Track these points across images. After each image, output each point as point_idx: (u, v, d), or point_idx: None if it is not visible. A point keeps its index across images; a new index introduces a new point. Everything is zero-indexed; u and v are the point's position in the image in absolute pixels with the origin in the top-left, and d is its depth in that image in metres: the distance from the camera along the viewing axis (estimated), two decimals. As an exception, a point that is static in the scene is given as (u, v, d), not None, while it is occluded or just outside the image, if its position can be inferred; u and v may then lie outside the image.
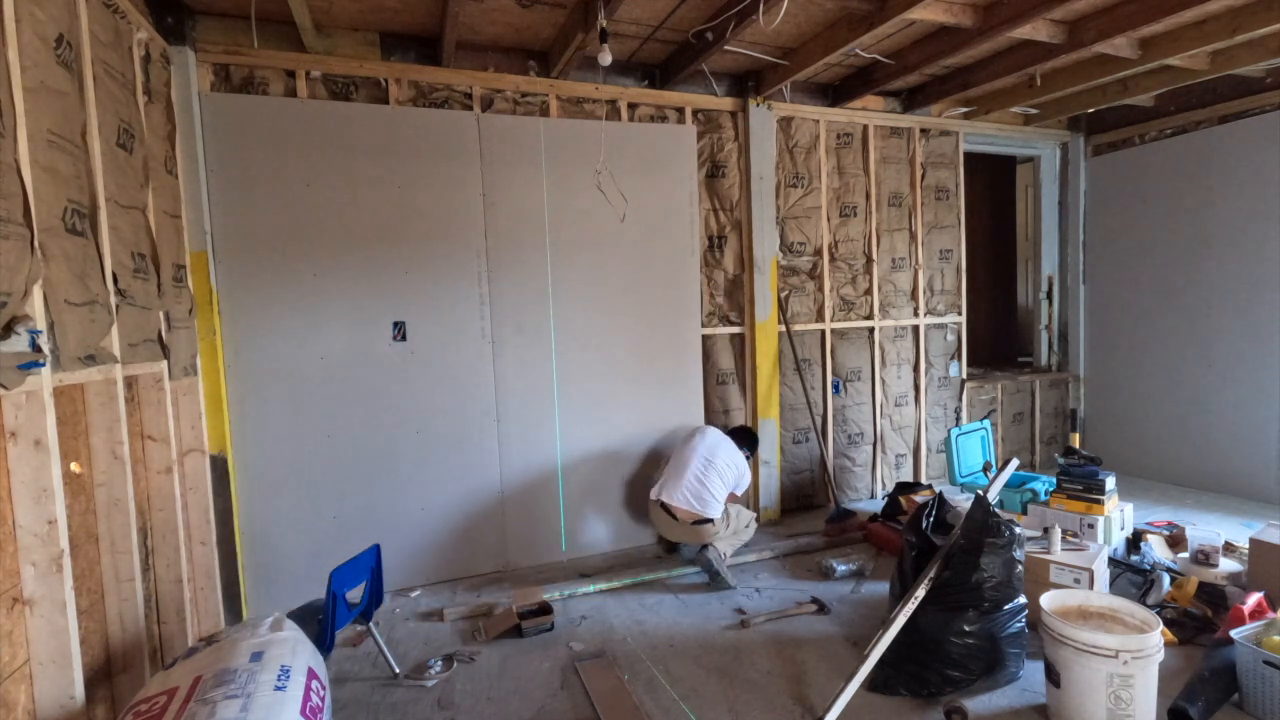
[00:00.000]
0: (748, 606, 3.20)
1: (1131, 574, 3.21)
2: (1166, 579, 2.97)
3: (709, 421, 4.26)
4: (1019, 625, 2.45)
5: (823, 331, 4.60)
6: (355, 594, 2.55)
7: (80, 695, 1.84)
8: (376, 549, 2.66)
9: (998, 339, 6.24)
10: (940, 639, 2.38)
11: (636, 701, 2.42)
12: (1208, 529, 3.53)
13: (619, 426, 3.97)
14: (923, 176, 4.85)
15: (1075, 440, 4.68)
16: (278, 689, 1.75)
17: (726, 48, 3.54)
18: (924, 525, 2.70)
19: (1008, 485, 3.97)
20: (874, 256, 4.70)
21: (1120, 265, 5.18)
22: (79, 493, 2.11)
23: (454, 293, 3.57)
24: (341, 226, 3.36)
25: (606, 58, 2.94)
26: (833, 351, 4.64)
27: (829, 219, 4.57)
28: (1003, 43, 3.72)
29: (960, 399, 5.10)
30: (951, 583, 2.44)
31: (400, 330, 3.48)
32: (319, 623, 2.33)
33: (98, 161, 2.15)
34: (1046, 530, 2.94)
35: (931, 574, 2.47)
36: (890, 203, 4.76)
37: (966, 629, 2.38)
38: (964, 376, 5.11)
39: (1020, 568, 2.49)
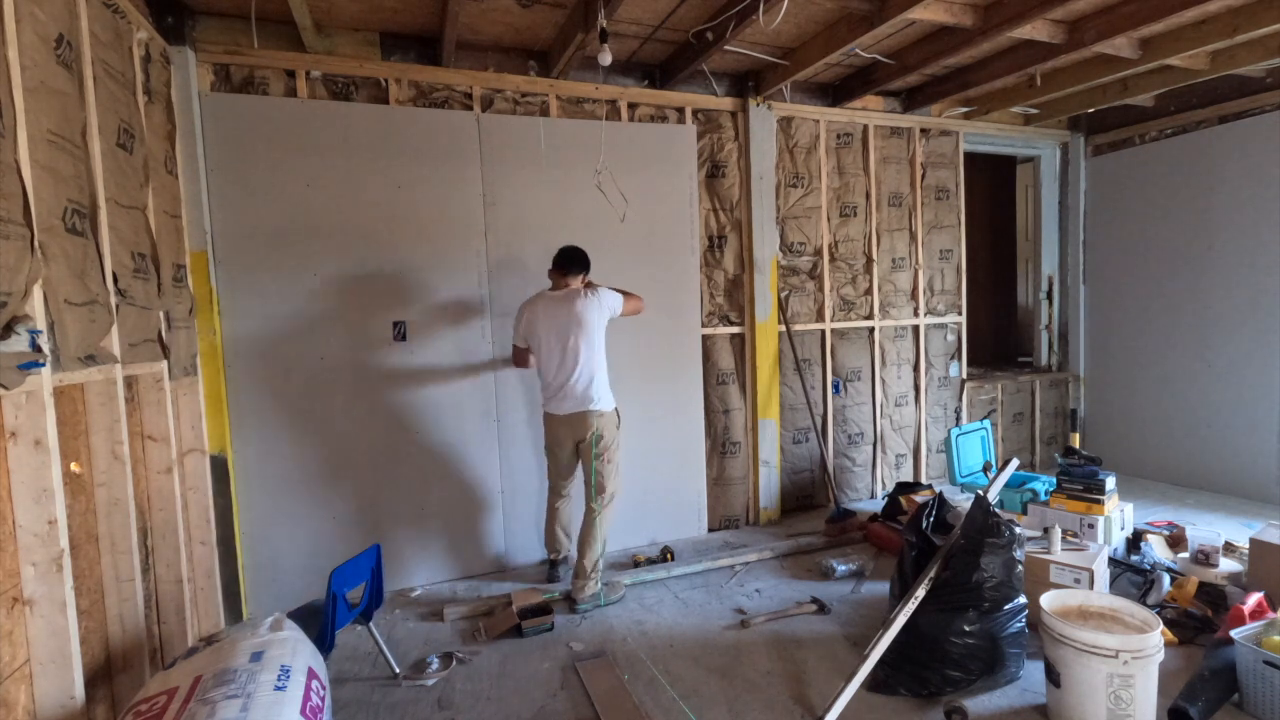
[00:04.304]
0: (748, 606, 3.20)
1: (1131, 574, 3.21)
2: (1166, 579, 2.97)
3: (708, 421, 4.26)
4: (1019, 625, 2.45)
5: (823, 331, 4.60)
6: (355, 594, 2.56)
7: (80, 695, 1.84)
8: (377, 549, 2.66)
9: (998, 339, 6.24)
10: (940, 639, 2.39)
11: (636, 701, 2.42)
12: (1208, 529, 3.52)
13: (619, 426, 3.97)
14: (923, 176, 4.85)
15: (1075, 440, 4.68)
16: (278, 689, 1.75)
17: (726, 48, 3.54)
18: (924, 525, 2.71)
19: (1008, 485, 3.97)
20: (874, 256, 4.70)
21: (1120, 265, 5.18)
22: (79, 493, 2.11)
23: (455, 293, 3.57)
24: (341, 226, 3.35)
25: (606, 58, 2.94)
26: (833, 351, 4.64)
27: (829, 219, 4.57)
28: (1003, 43, 3.72)
29: (960, 399, 5.10)
30: (951, 583, 2.44)
31: (400, 330, 3.48)
32: (319, 623, 2.33)
33: (98, 161, 2.15)
34: (1046, 530, 2.94)
35: (931, 574, 2.48)
36: (890, 203, 4.76)
37: (966, 629, 2.38)
38: (964, 376, 5.11)
39: (1020, 568, 2.49)
